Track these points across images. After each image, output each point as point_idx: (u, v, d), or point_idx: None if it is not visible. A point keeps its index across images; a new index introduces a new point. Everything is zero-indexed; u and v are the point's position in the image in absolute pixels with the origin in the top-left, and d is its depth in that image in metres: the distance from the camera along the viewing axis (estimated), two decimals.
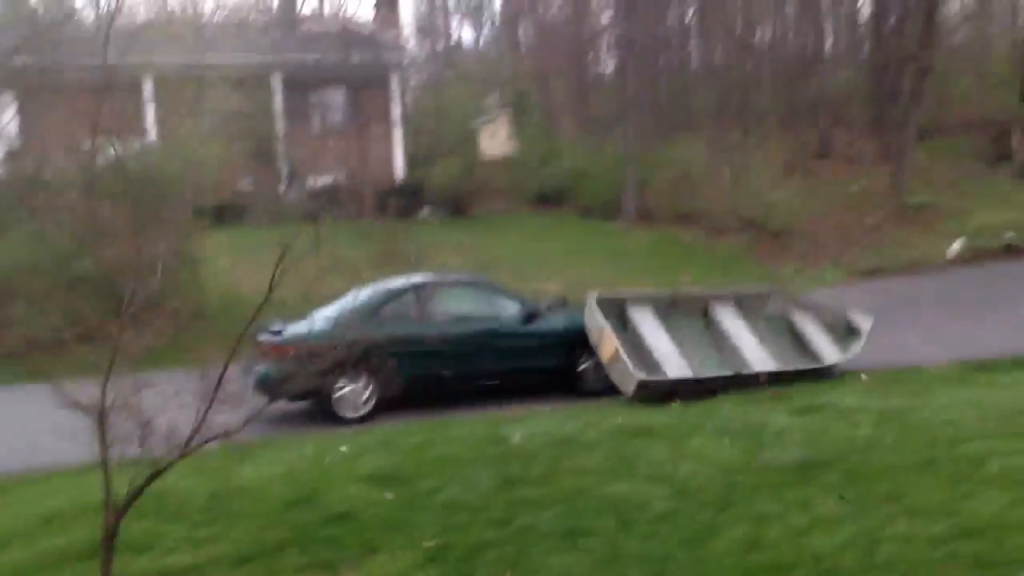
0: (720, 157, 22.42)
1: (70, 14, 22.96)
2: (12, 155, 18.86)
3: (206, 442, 4.53)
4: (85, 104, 14.75)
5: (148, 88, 20.43)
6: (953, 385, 9.04)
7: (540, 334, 10.03)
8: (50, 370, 5.00)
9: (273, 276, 4.54)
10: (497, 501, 5.66)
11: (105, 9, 22.28)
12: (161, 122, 19.29)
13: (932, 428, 6.81)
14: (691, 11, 34.34)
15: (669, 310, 10.31)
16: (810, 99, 29.64)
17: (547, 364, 10.02)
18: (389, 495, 5.86)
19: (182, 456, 4.43)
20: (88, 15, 24.13)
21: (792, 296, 11.16)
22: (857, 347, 10.22)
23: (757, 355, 9.95)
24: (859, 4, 33.50)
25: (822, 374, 9.86)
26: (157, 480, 4.53)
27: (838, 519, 5.14)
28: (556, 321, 10.26)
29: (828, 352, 10.24)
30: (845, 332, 10.55)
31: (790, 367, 9.88)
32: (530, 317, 10.06)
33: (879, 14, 29.03)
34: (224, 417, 4.67)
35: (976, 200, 21.50)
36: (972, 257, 18.29)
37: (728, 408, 8.25)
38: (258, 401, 5.19)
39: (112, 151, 14.23)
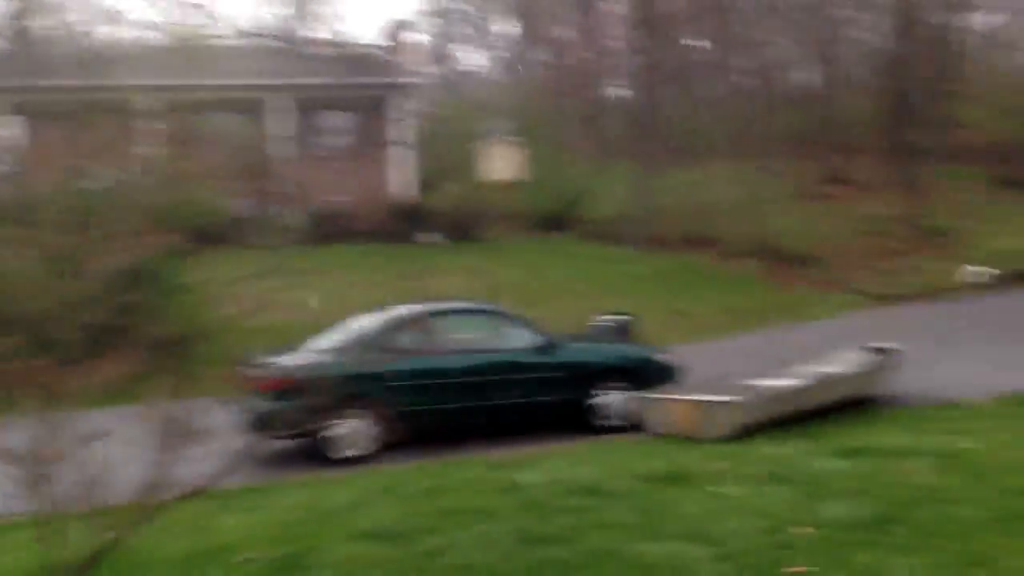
0: (733, 182, 21.82)
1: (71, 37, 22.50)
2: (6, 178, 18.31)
3: (171, 500, 3.81)
4: (75, 128, 14.14)
5: (143, 112, 19.78)
6: (1004, 421, 8.34)
7: (555, 366, 9.30)
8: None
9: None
10: (517, 563, 4.90)
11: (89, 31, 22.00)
12: (151, 145, 18.56)
13: (1002, 474, 6.07)
14: (704, 37, 33.93)
15: None
16: (823, 125, 29.13)
17: (561, 398, 9.30)
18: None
19: (139, 523, 3.71)
20: (85, 38, 23.64)
21: None
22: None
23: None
24: (873, 29, 32.85)
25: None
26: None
27: None
28: (571, 352, 9.55)
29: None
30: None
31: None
32: (545, 348, 9.34)
33: (898, 40, 28.48)
34: (197, 464, 3.95)
35: (992, 226, 21.01)
36: (989, 283, 17.93)
37: (764, 449, 7.50)
38: (234, 444, 4.45)
39: (93, 175, 13.54)
